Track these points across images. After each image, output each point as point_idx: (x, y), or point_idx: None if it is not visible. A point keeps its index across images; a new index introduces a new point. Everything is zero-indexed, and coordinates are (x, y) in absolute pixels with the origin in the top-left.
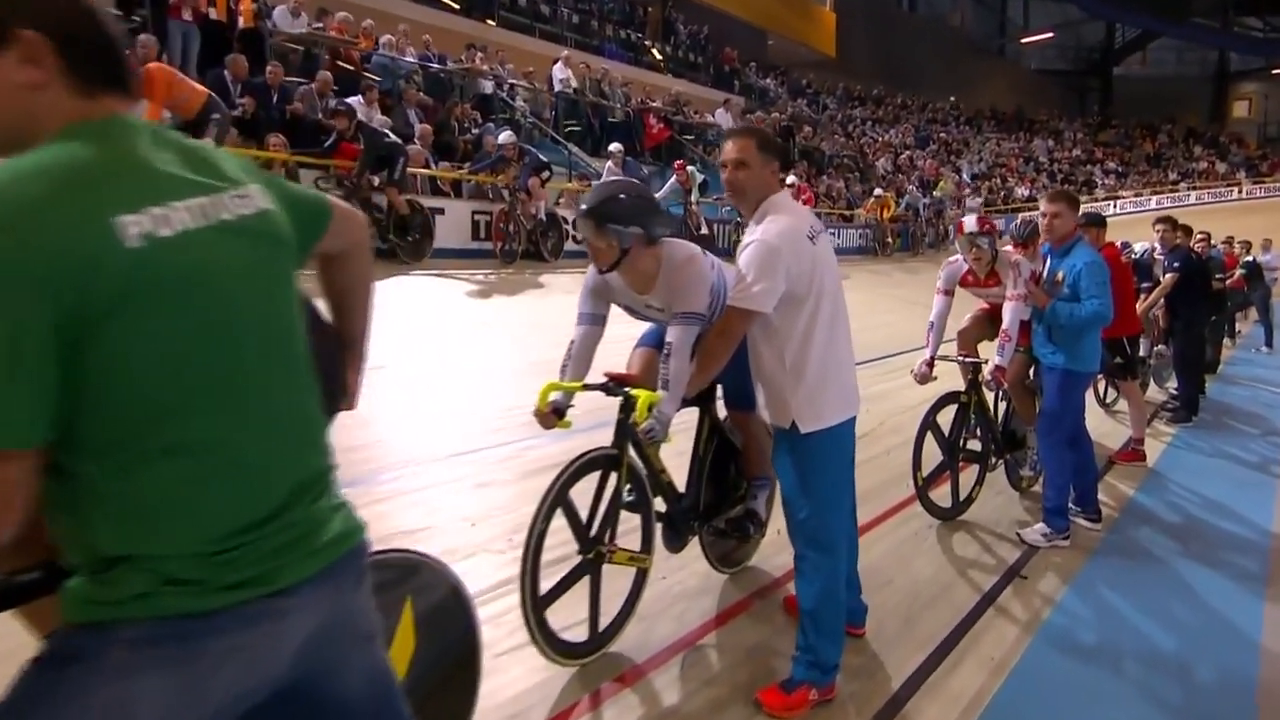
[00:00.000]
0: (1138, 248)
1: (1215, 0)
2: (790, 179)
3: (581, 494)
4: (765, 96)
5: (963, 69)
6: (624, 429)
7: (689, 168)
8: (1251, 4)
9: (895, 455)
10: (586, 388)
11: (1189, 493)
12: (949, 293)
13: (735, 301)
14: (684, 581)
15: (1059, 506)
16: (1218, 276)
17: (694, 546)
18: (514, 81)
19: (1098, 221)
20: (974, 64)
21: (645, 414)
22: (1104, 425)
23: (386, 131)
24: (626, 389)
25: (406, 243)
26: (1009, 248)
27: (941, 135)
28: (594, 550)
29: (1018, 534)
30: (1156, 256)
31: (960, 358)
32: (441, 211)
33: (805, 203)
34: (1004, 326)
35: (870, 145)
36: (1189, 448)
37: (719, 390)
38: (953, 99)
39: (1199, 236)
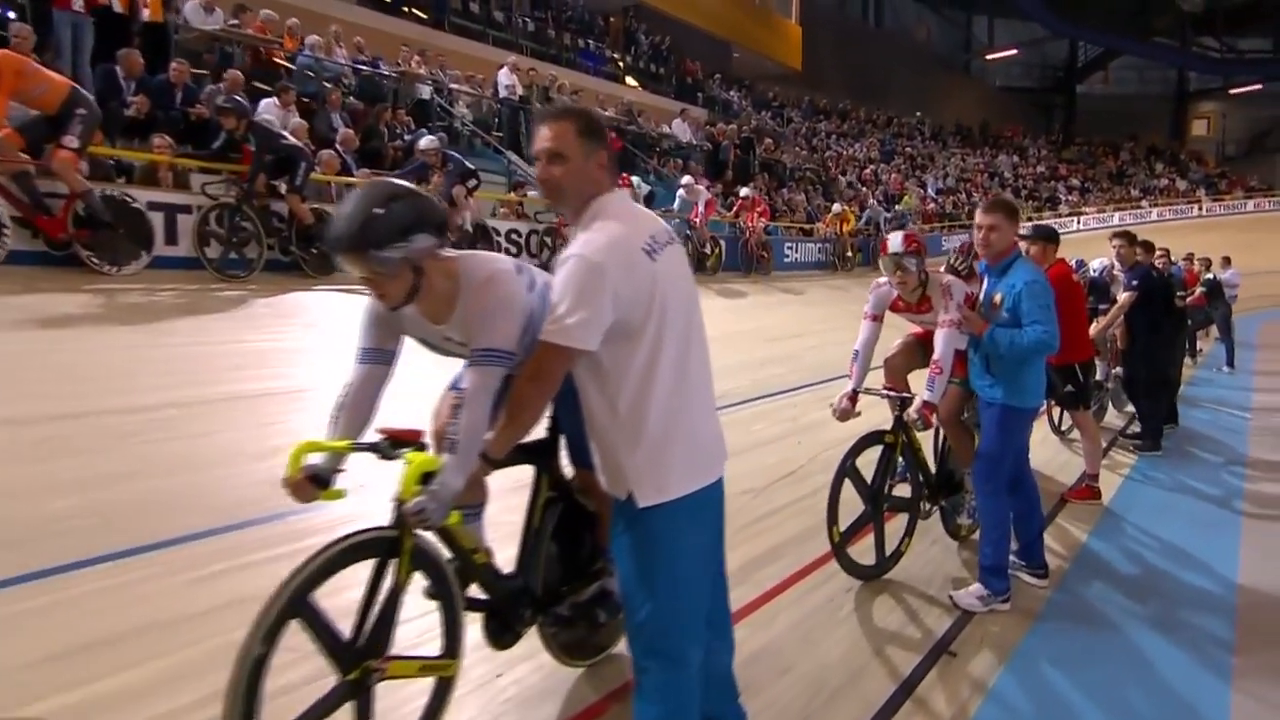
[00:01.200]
0: (1094, 265)
1: (1175, 20)
2: (745, 190)
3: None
4: (729, 109)
5: (929, 84)
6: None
7: (634, 178)
8: (1209, 25)
9: (824, 497)
10: (355, 448)
11: (1147, 537)
12: (877, 318)
13: (547, 335)
14: (524, 679)
15: (997, 565)
16: (1179, 294)
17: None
18: (455, 87)
19: (1048, 236)
20: (940, 80)
21: (412, 488)
22: (1059, 456)
23: (284, 133)
24: (404, 449)
25: (311, 255)
26: (943, 269)
27: (907, 150)
28: (359, 668)
29: (950, 597)
30: (1115, 274)
31: (885, 392)
32: None
33: (760, 215)
34: (935, 357)
35: (834, 159)
36: (1147, 480)
37: (561, 442)
38: (919, 114)
39: (1159, 253)
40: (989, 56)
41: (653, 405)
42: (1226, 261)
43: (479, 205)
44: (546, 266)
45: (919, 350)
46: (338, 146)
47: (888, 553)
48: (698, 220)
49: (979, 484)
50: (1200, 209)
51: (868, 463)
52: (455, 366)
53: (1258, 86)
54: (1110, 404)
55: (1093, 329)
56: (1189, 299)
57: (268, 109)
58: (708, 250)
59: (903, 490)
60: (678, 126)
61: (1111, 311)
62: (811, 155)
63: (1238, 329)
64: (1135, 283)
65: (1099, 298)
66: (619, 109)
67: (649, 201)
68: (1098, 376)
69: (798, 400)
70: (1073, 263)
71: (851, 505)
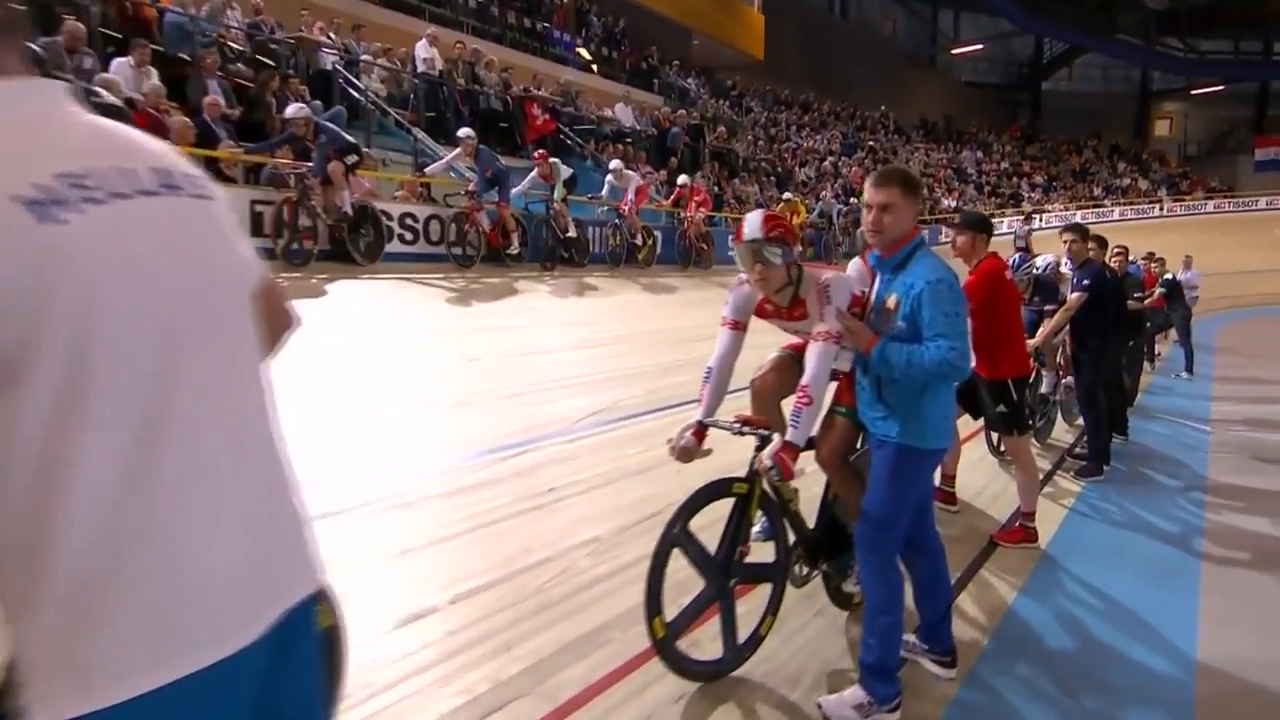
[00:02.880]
0: (1040, 261)
1: (1140, 19)
2: (683, 178)
3: None
4: (685, 96)
5: (894, 78)
6: None
7: (553, 159)
8: (1173, 25)
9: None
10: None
11: (1090, 594)
12: (738, 326)
13: None
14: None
15: (882, 663)
16: (1135, 296)
17: None
18: (368, 59)
19: (977, 224)
20: (905, 73)
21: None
22: (995, 483)
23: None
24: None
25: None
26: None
27: (870, 143)
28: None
29: (819, 706)
30: (1063, 271)
31: (736, 426)
32: None
33: (700, 205)
34: (804, 380)
35: (793, 150)
36: (1094, 514)
37: None
38: (883, 108)
39: (1116, 251)
40: (954, 51)
41: (67, 523)
42: (1188, 262)
43: (378, 186)
44: (462, 257)
45: (797, 368)
46: (204, 115)
47: (741, 639)
48: (627, 209)
49: (862, 551)
50: (1161, 209)
51: (712, 521)
52: None
53: (1220, 88)
54: (1060, 416)
55: (1038, 334)
56: (1147, 300)
57: (120, 69)
58: (639, 241)
59: (764, 553)
60: (620, 110)
61: (1058, 315)
62: (769, 146)
63: (1196, 332)
64: (1086, 282)
65: (1045, 298)
66: (554, 90)
67: (570, 187)
68: (1044, 389)
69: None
70: (1014, 258)
71: (687, 584)
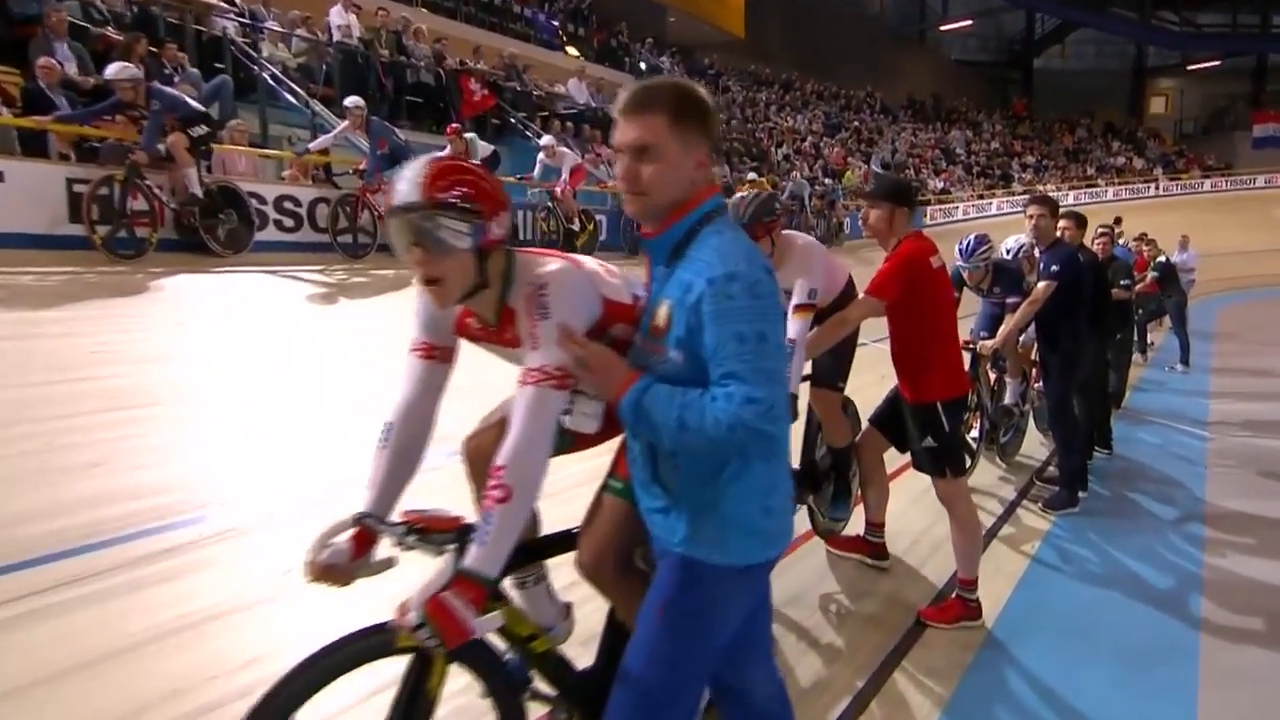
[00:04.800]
0: (1010, 242)
1: None
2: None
3: None
4: (658, 74)
5: (881, 56)
6: None
7: (469, 135)
8: None
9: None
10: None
11: (1046, 703)
12: (435, 352)
13: None
14: None
15: None
16: (1123, 283)
17: None
18: (272, 26)
19: (896, 194)
20: (893, 52)
21: None
22: (939, 526)
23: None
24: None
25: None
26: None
27: (854, 123)
28: None
29: None
30: (1036, 256)
31: (400, 530)
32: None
33: None
34: (499, 456)
35: (772, 131)
36: (1063, 565)
37: None
38: (869, 88)
39: (1100, 230)
40: (943, 27)
41: None
42: (1185, 242)
43: (256, 165)
44: (353, 246)
45: None
46: (39, 80)
47: None
48: (562, 191)
49: None
50: (1157, 188)
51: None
52: None
53: (1216, 63)
54: (1034, 422)
55: (999, 333)
56: (1139, 286)
57: None
58: (576, 226)
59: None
60: (573, 87)
61: (1020, 310)
62: (744, 126)
63: (1193, 318)
64: (1054, 268)
65: (1008, 288)
66: (496, 64)
67: (492, 164)
68: (1007, 400)
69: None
70: (965, 241)
71: None
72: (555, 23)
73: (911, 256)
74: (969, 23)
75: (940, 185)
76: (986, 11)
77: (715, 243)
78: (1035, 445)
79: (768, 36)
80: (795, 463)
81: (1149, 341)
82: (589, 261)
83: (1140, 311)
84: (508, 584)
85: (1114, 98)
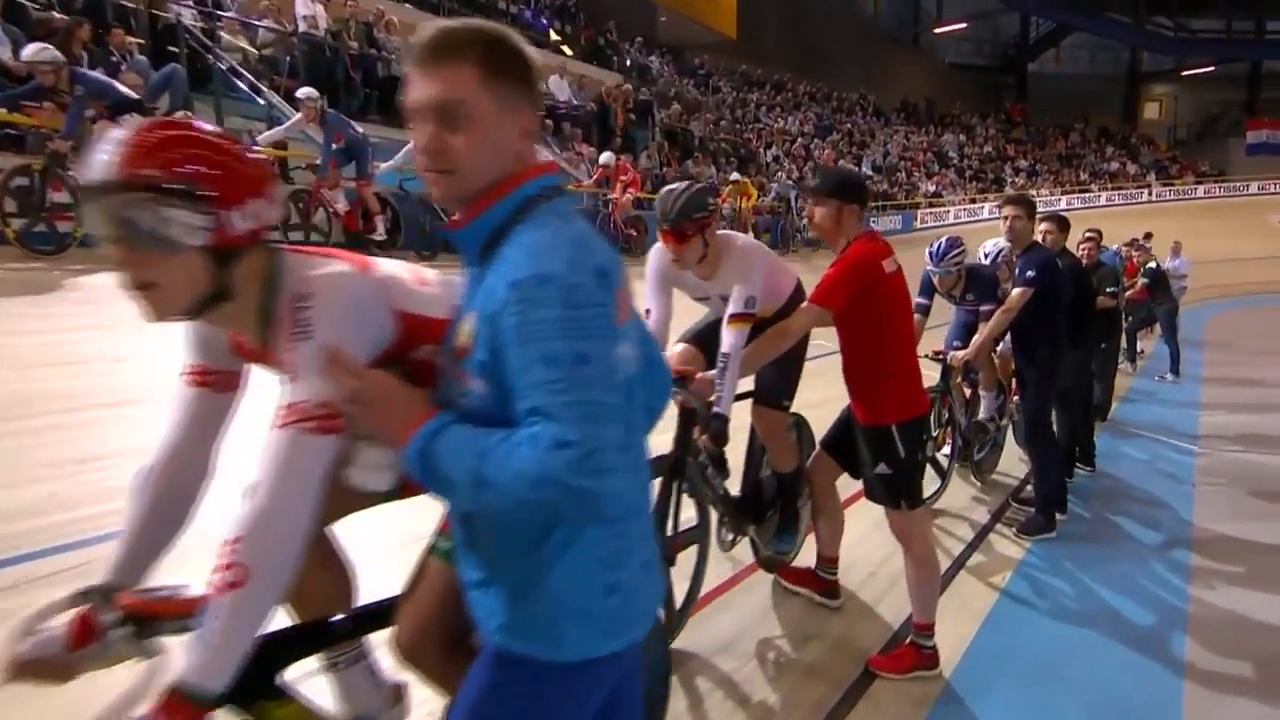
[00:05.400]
0: (988, 246)
1: None
2: (605, 157)
3: None
4: (646, 74)
5: (875, 59)
6: None
7: None
8: (1163, 3)
9: None
10: None
11: None
12: (211, 379)
13: None
14: None
15: None
16: (1109, 290)
17: None
18: (230, 15)
19: (842, 190)
20: (887, 55)
21: None
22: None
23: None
24: None
25: None
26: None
27: (846, 125)
28: None
29: None
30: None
31: (113, 619)
32: None
33: (628, 187)
34: (236, 527)
35: (762, 132)
36: (1036, 599)
37: None
38: (862, 90)
39: (1087, 235)
40: (937, 30)
41: None
42: (1177, 248)
43: None
44: (306, 244)
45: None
46: None
47: None
48: None
49: None
50: (1150, 194)
51: None
52: None
53: (1210, 69)
54: (1012, 434)
55: (972, 343)
56: (1128, 292)
57: None
58: None
59: None
60: (555, 84)
61: (994, 319)
62: (732, 126)
63: (1184, 325)
64: (1030, 274)
65: (982, 295)
66: None
67: None
68: (982, 415)
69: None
70: (936, 245)
71: None
72: (544, 20)
73: (861, 260)
74: (963, 26)
75: (932, 189)
76: (981, 15)
77: (532, 238)
78: (1014, 462)
79: (761, 37)
80: (736, 489)
81: (1139, 350)
82: (386, 265)
83: (1130, 319)
84: (316, 665)
85: (1108, 103)
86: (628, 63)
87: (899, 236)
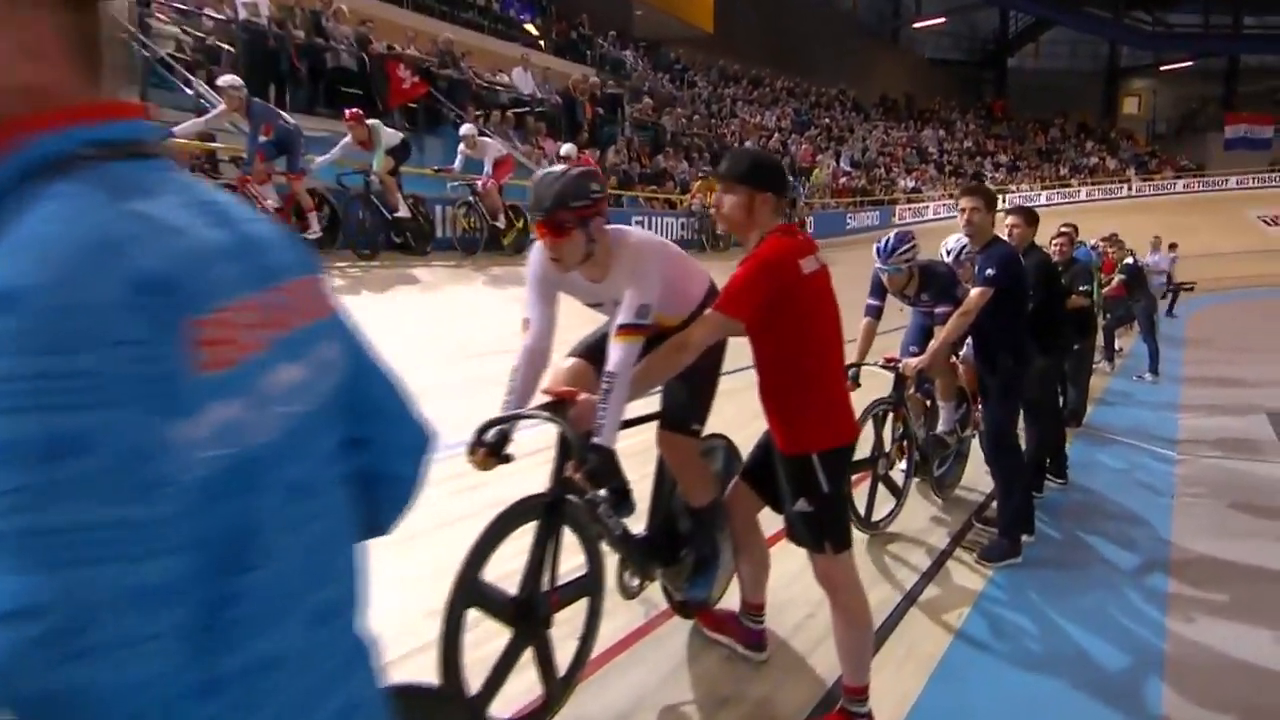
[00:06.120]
0: (950, 242)
1: None
2: (565, 148)
3: None
4: (620, 68)
5: (854, 54)
6: None
7: (371, 121)
8: None
9: None
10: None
11: None
12: None
13: None
14: None
15: None
16: (1081, 289)
17: None
18: (163, 2)
19: (755, 177)
20: (866, 49)
21: None
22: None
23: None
24: None
25: None
26: None
27: (825, 120)
28: None
29: None
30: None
31: None
32: None
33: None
34: None
35: (738, 127)
36: (995, 639)
37: None
38: (842, 85)
39: (1061, 230)
40: (916, 25)
41: None
42: (1157, 242)
43: None
44: None
45: None
46: None
47: None
48: (484, 185)
49: None
50: (1130, 188)
51: None
52: None
53: (1188, 64)
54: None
55: (928, 349)
56: (1105, 289)
57: None
58: (502, 223)
59: None
60: (518, 76)
61: (950, 322)
62: (706, 121)
63: (1163, 321)
64: (990, 272)
65: (939, 295)
66: (429, 50)
67: (400, 156)
68: (941, 428)
69: None
70: (885, 240)
71: None
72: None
73: (774, 258)
74: (942, 20)
75: (912, 184)
76: (960, 9)
77: (29, 229)
78: (980, 475)
79: (738, 32)
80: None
81: (1118, 349)
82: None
83: (1108, 316)
84: None
85: (1087, 98)
86: (600, 56)
87: (876, 232)
